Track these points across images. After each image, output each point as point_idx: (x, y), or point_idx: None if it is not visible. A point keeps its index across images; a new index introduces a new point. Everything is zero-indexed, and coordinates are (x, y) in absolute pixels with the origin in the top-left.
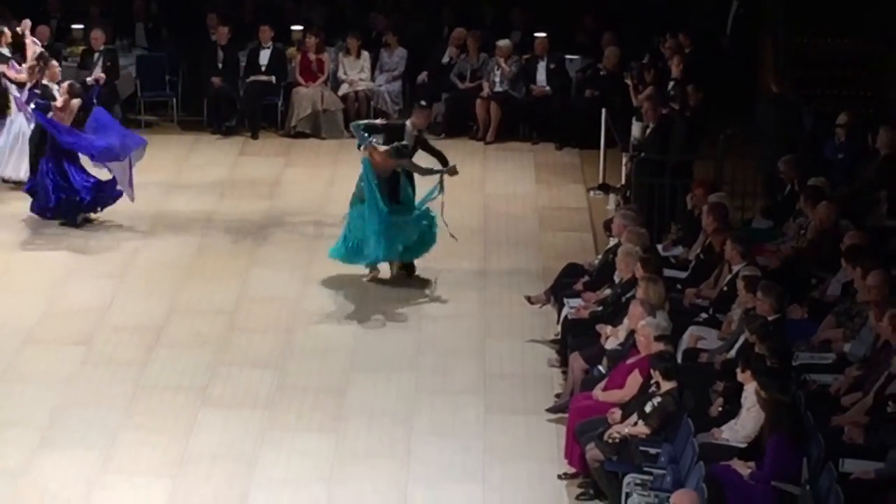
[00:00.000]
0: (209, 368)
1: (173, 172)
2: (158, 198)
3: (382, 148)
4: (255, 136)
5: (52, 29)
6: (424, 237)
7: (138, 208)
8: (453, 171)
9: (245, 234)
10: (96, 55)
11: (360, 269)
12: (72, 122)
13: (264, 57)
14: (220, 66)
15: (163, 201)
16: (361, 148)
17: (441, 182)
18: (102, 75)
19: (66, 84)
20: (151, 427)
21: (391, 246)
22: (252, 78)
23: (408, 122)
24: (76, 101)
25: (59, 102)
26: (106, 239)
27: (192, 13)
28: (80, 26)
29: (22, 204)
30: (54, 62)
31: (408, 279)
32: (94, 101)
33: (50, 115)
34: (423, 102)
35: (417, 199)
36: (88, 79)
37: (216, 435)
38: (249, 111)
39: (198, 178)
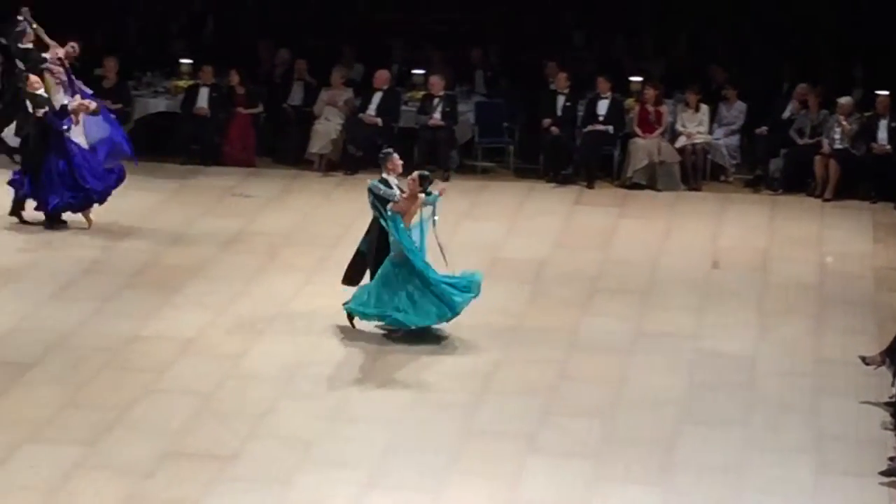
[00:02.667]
0: (538, 416)
1: (508, 220)
2: (493, 244)
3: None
4: (590, 186)
5: (394, 74)
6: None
7: (474, 255)
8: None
9: (578, 283)
10: (436, 101)
11: (702, 323)
12: None
13: (602, 107)
14: (558, 114)
15: (497, 248)
16: (389, 206)
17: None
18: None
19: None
20: (479, 472)
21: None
22: (590, 127)
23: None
24: None
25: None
26: None
27: (532, 62)
28: (421, 72)
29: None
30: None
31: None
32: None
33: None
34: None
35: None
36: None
37: (544, 484)
38: (586, 160)
39: (532, 226)
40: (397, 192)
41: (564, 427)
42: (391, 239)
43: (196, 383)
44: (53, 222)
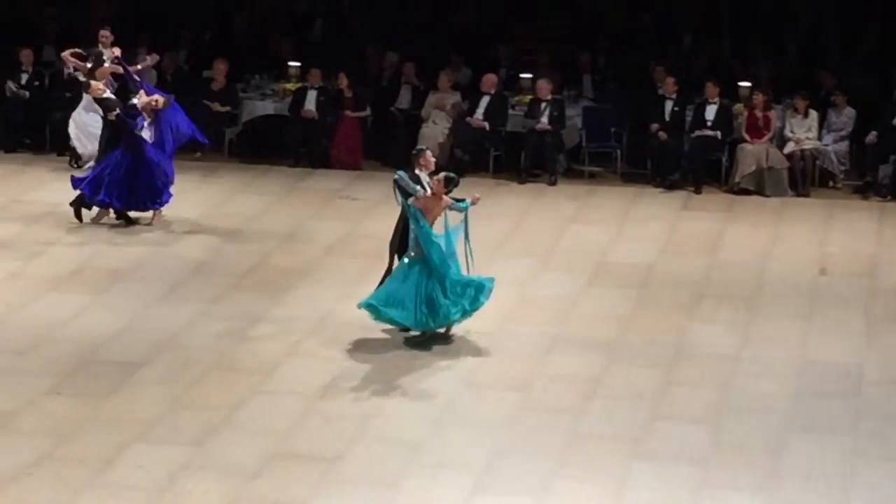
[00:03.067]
0: (644, 422)
1: (615, 225)
2: (600, 249)
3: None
4: (698, 191)
5: (502, 78)
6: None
7: (580, 260)
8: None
9: (684, 288)
10: (543, 105)
11: (809, 330)
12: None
13: (710, 112)
14: (666, 119)
15: (604, 253)
16: (410, 200)
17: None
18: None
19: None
20: (584, 478)
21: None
22: (697, 132)
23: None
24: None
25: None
26: (544, 287)
27: (639, 66)
28: (529, 76)
29: None
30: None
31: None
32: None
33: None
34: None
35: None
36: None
37: (649, 489)
38: (693, 166)
39: (639, 231)
40: (422, 188)
41: (670, 433)
42: (411, 235)
43: (302, 385)
44: (79, 209)
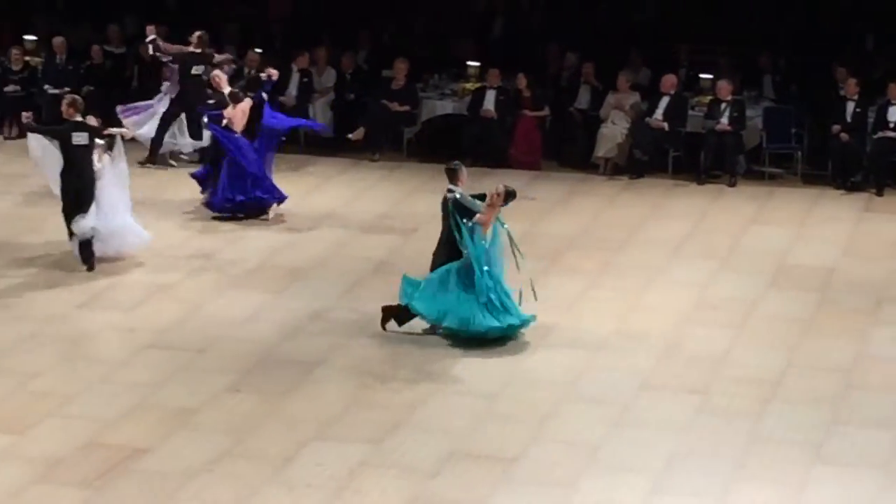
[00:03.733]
0: (825, 425)
1: (795, 226)
2: (780, 251)
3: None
4: (880, 193)
5: (681, 78)
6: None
7: (760, 261)
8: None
9: (867, 291)
10: (723, 105)
11: None
12: (246, 121)
13: (893, 113)
14: (848, 120)
15: (784, 255)
16: (475, 218)
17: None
18: (275, 71)
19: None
20: (764, 481)
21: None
22: (880, 134)
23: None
24: (245, 104)
25: (228, 112)
26: (723, 289)
27: (821, 67)
28: (709, 76)
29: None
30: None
31: None
32: (265, 95)
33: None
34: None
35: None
36: (262, 74)
37: (830, 493)
38: (876, 167)
39: (820, 233)
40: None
41: (851, 437)
42: (465, 251)
43: (480, 385)
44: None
